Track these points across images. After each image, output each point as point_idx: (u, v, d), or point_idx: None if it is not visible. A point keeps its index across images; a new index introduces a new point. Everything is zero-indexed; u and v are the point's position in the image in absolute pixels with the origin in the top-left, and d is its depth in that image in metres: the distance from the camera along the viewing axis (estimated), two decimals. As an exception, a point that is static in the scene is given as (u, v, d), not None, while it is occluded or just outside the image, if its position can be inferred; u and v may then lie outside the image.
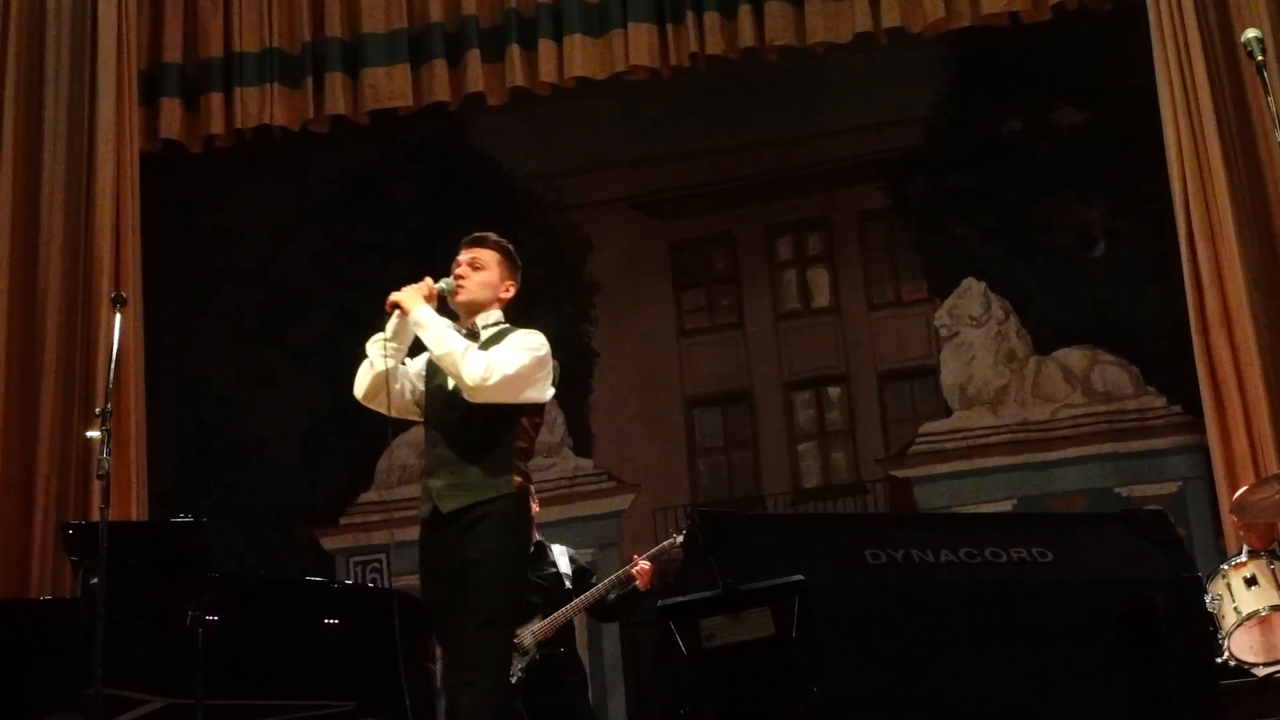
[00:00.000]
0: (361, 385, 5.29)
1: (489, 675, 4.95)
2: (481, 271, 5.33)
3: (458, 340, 5.08)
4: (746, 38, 9.03)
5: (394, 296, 5.17)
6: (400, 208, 10.52)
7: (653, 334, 10.50)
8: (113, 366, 5.96)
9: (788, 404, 10.37)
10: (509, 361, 5.07)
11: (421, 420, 5.38)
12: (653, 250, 10.64)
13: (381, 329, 5.28)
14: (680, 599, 3.99)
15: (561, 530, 8.66)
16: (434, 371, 5.27)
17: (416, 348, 5.33)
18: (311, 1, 9.49)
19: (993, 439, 9.89)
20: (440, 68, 9.31)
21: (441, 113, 9.75)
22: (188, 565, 6.64)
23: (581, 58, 9.14)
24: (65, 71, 8.98)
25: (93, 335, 8.59)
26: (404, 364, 5.38)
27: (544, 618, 7.39)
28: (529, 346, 5.17)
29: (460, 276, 5.31)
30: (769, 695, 3.91)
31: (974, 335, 10.02)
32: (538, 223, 10.69)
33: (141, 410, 8.75)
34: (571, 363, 10.39)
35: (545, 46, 9.20)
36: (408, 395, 5.35)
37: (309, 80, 9.41)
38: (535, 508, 7.68)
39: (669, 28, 9.14)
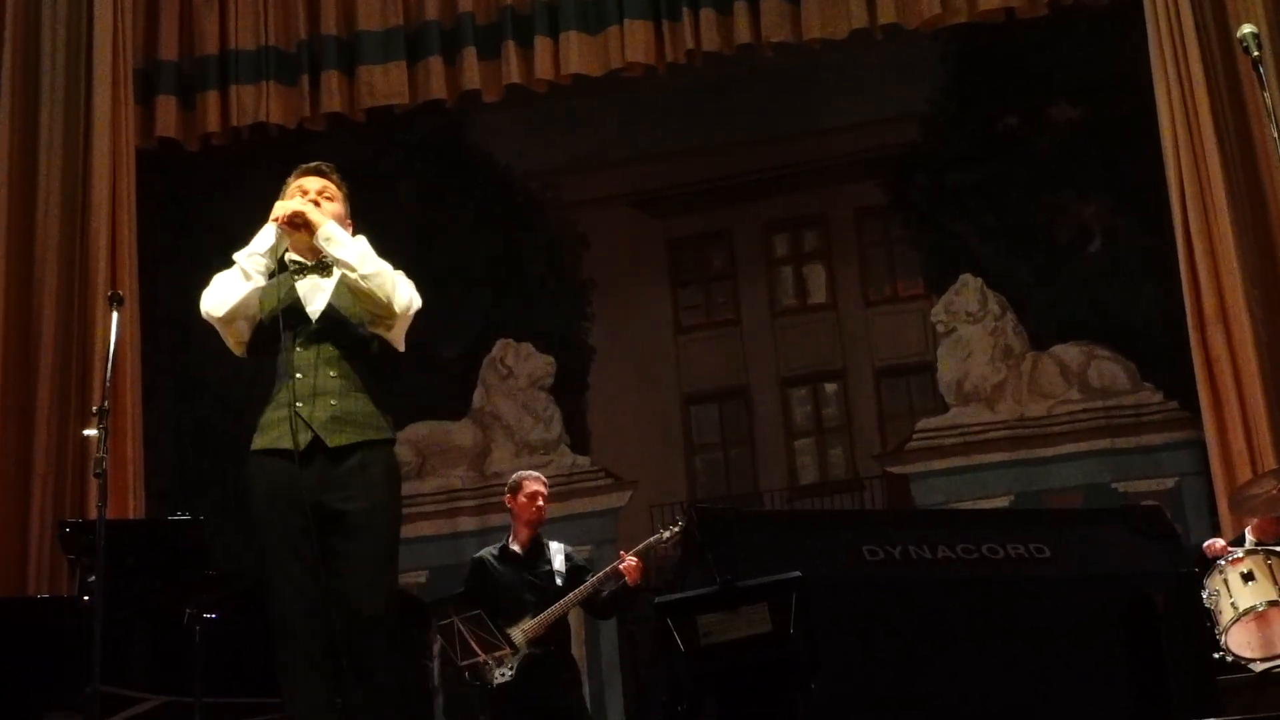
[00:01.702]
0: (229, 300, 4.74)
1: (395, 638, 4.61)
2: (333, 203, 4.92)
3: (381, 260, 4.73)
4: (743, 34, 9.02)
5: (294, 207, 4.75)
6: (397, 205, 10.49)
7: (650, 331, 10.50)
8: (110, 365, 5.96)
9: (785, 400, 10.38)
10: (417, 297, 4.80)
11: (240, 351, 4.86)
12: (650, 247, 10.64)
13: None
14: (678, 595, 3.98)
15: (559, 527, 8.65)
16: (289, 297, 4.77)
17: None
18: (308, -1, 9.49)
19: (990, 435, 9.89)
20: (436, 65, 9.30)
21: (438, 110, 9.73)
22: (185, 564, 6.65)
23: (578, 55, 9.13)
24: (61, 70, 8.97)
25: (89, 333, 8.58)
26: None
27: (535, 616, 7.38)
28: (415, 289, 4.85)
29: (315, 205, 4.83)
30: (767, 692, 3.91)
31: (971, 331, 10.03)
32: (534, 220, 10.70)
33: (138, 408, 8.74)
34: (569, 360, 10.45)
35: (541, 44, 9.19)
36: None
37: (305, 78, 9.39)
38: (541, 504, 7.70)
39: (665, 25, 9.13)
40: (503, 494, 7.87)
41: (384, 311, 4.70)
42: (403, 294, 4.71)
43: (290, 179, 5.01)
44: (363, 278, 4.66)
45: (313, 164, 5.05)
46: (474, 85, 9.27)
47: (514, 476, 7.84)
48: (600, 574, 7.56)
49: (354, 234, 4.90)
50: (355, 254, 4.70)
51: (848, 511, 9.09)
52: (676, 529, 7.37)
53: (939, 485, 9.88)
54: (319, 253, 4.78)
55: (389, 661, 4.55)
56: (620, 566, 7.46)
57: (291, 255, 4.85)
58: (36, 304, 8.63)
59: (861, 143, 10.32)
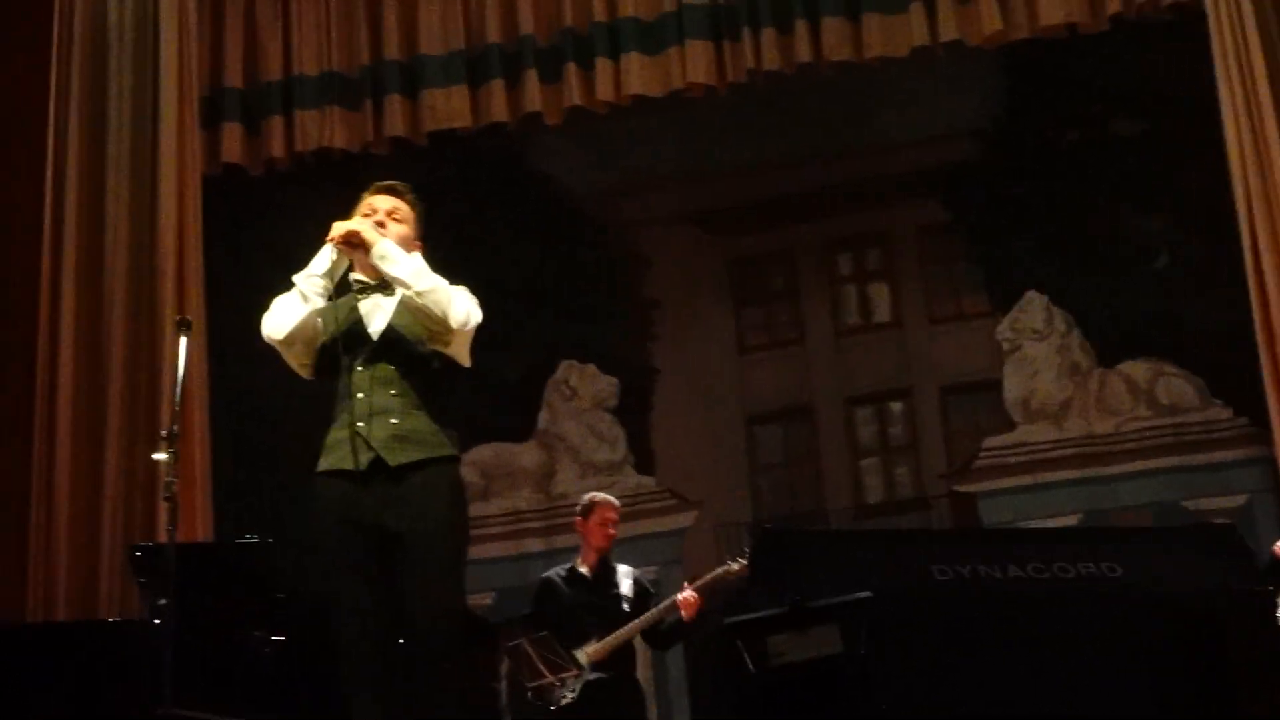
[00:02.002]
0: (287, 323, 4.76)
1: (458, 660, 4.55)
2: (401, 224, 4.90)
3: (438, 276, 4.70)
4: (803, 53, 8.99)
5: (350, 226, 4.73)
6: (458, 228, 10.53)
7: (713, 350, 10.50)
8: (178, 389, 5.99)
9: (849, 419, 10.35)
10: (477, 313, 4.75)
11: (306, 373, 4.85)
12: (711, 267, 10.64)
13: None
14: (747, 616, 3.97)
15: (625, 549, 8.63)
16: (352, 317, 4.79)
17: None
18: (370, 24, 9.52)
19: (1057, 453, 9.82)
20: (498, 88, 9.32)
21: (499, 132, 9.74)
22: (253, 586, 6.68)
23: (638, 75, 9.13)
24: (127, 97, 9.06)
25: (157, 358, 8.64)
26: None
27: (599, 639, 7.37)
28: (477, 304, 4.80)
29: (380, 225, 4.83)
30: (838, 712, 3.89)
31: (1037, 349, 9.97)
32: (596, 241, 10.72)
33: (206, 432, 8.79)
34: (632, 381, 10.46)
35: (602, 65, 9.19)
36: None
37: (368, 102, 9.45)
38: (612, 532, 7.67)
39: (725, 45, 9.12)
40: (568, 515, 7.86)
41: (440, 327, 4.67)
42: (458, 309, 4.67)
43: (364, 196, 5.01)
44: (417, 294, 4.64)
45: (386, 183, 5.04)
46: (535, 107, 9.28)
47: (586, 499, 7.82)
48: (663, 604, 7.53)
49: (424, 255, 4.87)
50: (410, 270, 4.68)
51: (916, 531, 9.05)
52: (744, 559, 7.32)
53: (1006, 504, 9.82)
54: (377, 280, 4.79)
55: (447, 683, 4.49)
56: (679, 600, 7.42)
57: (355, 275, 4.86)
58: (105, 329, 8.71)
59: (923, 159, 10.29)
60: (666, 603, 7.51)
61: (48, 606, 8.24)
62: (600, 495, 7.84)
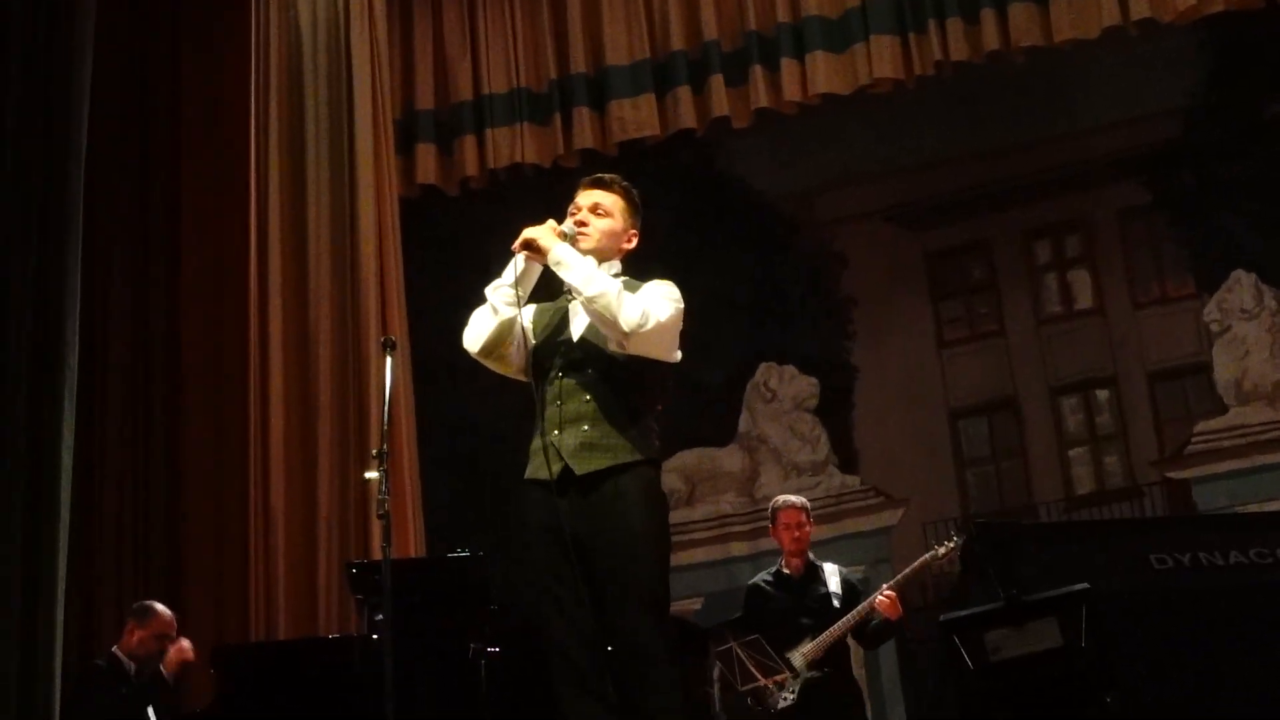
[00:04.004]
0: (481, 336, 4.71)
1: (670, 664, 4.42)
2: (605, 218, 4.76)
3: (610, 281, 4.56)
4: (991, 41, 8.87)
5: (527, 234, 4.61)
6: (653, 236, 10.53)
7: (912, 346, 10.43)
8: (386, 408, 6.09)
9: (1055, 409, 10.21)
10: (661, 310, 4.55)
11: (522, 378, 4.72)
12: (908, 262, 10.58)
13: None
14: (963, 612, 3.93)
15: (831, 548, 8.61)
16: (558, 321, 4.73)
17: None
18: (556, 39, 9.63)
19: (1274, 434, 9.57)
20: (685, 94, 9.35)
21: (689, 139, 9.77)
22: (468, 598, 6.77)
23: (825, 74, 9.09)
24: (324, 126, 9.24)
25: (363, 379, 8.80)
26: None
27: (813, 639, 7.33)
28: (673, 297, 4.64)
29: (581, 223, 4.72)
30: (1061, 708, 3.83)
31: (1247, 329, 9.74)
32: (790, 241, 10.70)
33: (414, 449, 8.94)
34: (832, 380, 10.42)
35: (788, 66, 9.17)
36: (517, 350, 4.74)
37: (557, 117, 9.54)
38: (809, 528, 7.62)
39: (911, 37, 9.03)
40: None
41: (614, 332, 4.54)
42: (629, 312, 4.50)
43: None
44: (588, 300, 4.52)
45: (594, 175, 4.92)
46: (723, 112, 9.29)
47: (771, 504, 7.68)
48: (864, 604, 7.42)
49: (638, 242, 4.82)
50: (581, 276, 4.56)
51: (1132, 520, 8.90)
52: (951, 544, 7.23)
53: (1222, 489, 9.59)
54: None
55: (661, 690, 4.41)
56: (877, 602, 7.31)
57: None
58: (312, 353, 8.89)
59: (1120, 142, 10.12)
60: (865, 604, 7.40)
61: (269, 626, 8.44)
62: (782, 499, 7.66)
